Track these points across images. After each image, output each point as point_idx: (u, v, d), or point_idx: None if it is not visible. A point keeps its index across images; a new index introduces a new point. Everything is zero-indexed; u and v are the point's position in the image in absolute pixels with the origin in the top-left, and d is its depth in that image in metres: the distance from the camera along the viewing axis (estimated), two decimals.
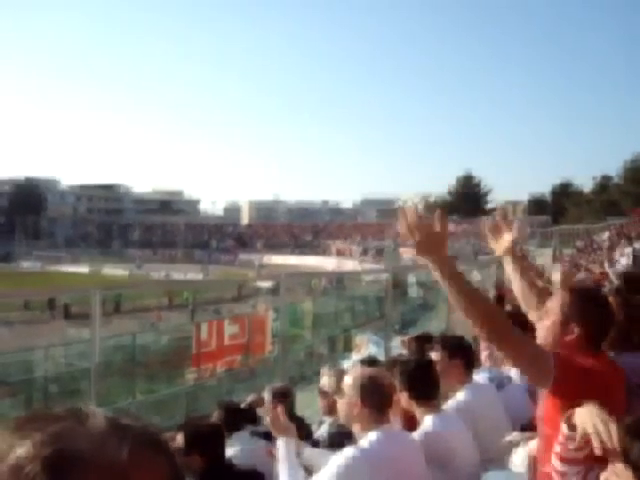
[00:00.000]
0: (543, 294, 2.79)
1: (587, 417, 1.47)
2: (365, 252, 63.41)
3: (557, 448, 1.58)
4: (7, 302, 18.64)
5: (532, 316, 2.72)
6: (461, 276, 1.96)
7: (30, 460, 0.57)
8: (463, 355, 3.50)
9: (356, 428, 2.69)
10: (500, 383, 3.79)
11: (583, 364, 2.05)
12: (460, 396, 3.39)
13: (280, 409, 2.95)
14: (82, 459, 0.58)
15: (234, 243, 78.66)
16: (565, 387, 1.96)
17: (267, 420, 3.01)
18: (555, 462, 1.60)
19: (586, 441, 1.43)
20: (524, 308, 2.80)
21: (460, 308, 1.92)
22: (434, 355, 3.52)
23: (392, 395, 2.77)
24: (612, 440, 1.34)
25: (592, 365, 2.05)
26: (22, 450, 0.58)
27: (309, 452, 3.00)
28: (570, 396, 1.86)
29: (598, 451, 1.37)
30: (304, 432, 3.85)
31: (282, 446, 2.80)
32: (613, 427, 1.37)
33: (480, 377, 3.84)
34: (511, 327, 2.00)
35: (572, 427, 1.52)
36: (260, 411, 4.14)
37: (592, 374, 2.02)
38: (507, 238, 2.78)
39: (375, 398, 2.65)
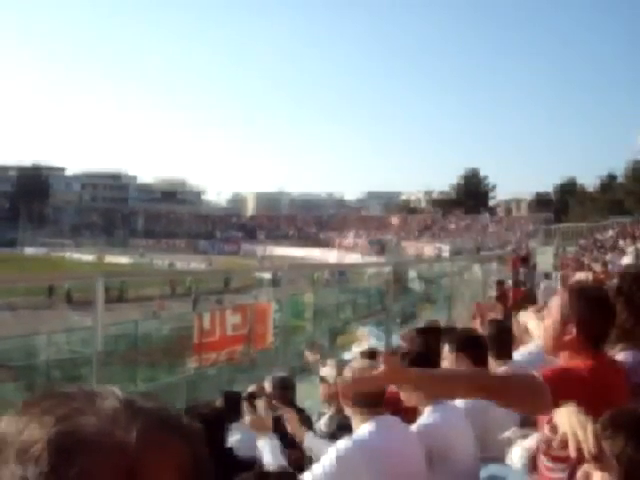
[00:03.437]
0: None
1: (565, 419, 1.48)
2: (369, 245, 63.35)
3: (544, 446, 1.60)
4: (11, 287, 18.69)
5: (531, 325, 2.67)
6: (432, 378, 1.99)
7: (35, 442, 0.54)
8: (471, 350, 3.42)
9: (352, 420, 2.73)
10: None
11: (578, 374, 2.02)
12: None
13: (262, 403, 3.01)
14: (88, 440, 0.54)
15: (238, 234, 78.67)
16: (564, 399, 1.95)
17: (247, 420, 3.05)
18: (543, 459, 1.62)
19: (566, 444, 1.44)
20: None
21: (454, 398, 1.98)
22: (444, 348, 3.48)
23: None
24: (588, 442, 1.35)
25: (589, 368, 2.04)
26: (29, 433, 0.55)
27: (310, 440, 3.03)
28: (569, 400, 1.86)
29: (573, 453, 1.37)
30: (305, 423, 3.88)
31: (264, 446, 2.87)
32: (590, 430, 1.37)
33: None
34: (497, 384, 1.98)
35: (554, 428, 1.52)
36: (260, 400, 4.16)
37: (589, 379, 2.00)
38: None
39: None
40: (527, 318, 3.04)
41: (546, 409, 1.94)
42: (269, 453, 2.74)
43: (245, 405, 3.04)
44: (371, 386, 2.06)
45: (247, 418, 2.99)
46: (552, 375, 1.99)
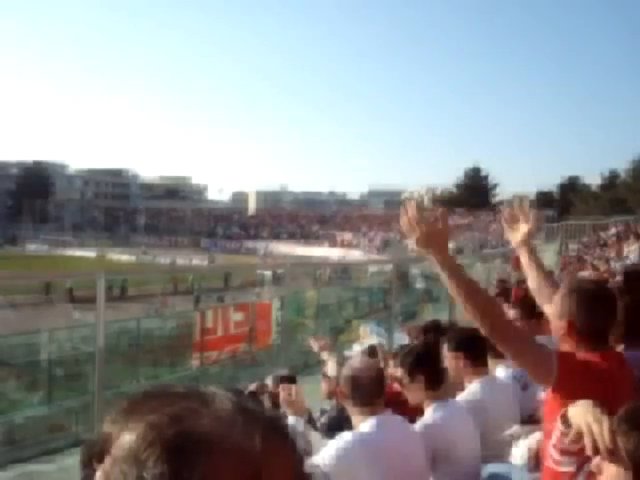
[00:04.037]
0: (556, 288, 2.77)
1: (581, 415, 1.47)
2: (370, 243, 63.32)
3: (554, 439, 1.60)
4: (12, 285, 18.70)
5: (547, 310, 2.69)
6: (461, 270, 1.99)
7: (148, 444, 0.50)
8: (470, 349, 3.39)
9: (353, 417, 2.73)
10: (525, 384, 3.66)
11: (586, 361, 2.03)
12: (471, 390, 3.36)
13: (294, 389, 3.00)
14: (209, 443, 0.51)
15: (240, 231, 78.63)
16: (568, 385, 1.95)
17: (281, 397, 3.04)
18: (552, 452, 1.61)
19: (580, 438, 1.43)
20: (539, 302, 2.73)
21: (460, 302, 1.96)
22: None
23: (380, 385, 2.77)
24: (604, 439, 1.34)
25: (595, 361, 2.04)
26: (137, 433, 0.52)
27: (314, 437, 3.03)
28: (573, 394, 1.86)
29: (589, 450, 1.36)
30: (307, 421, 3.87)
31: (291, 422, 2.86)
32: (606, 425, 1.36)
33: (503, 372, 3.74)
34: (511, 324, 2.02)
35: (567, 424, 1.52)
36: (263, 398, 4.16)
37: (595, 371, 2.00)
38: (523, 229, 2.67)
39: (360, 393, 2.67)
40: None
41: (548, 381, 1.96)
42: None
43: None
44: (418, 234, 1.99)
45: None
46: (565, 354, 2.03)
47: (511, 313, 4.87)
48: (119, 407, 0.57)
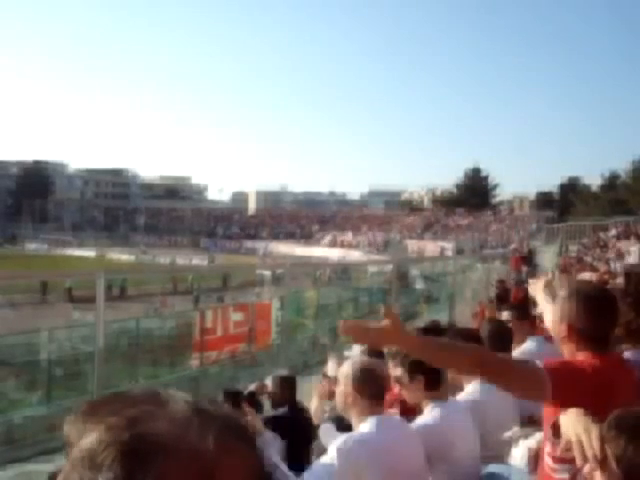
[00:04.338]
0: None
1: (570, 424, 1.46)
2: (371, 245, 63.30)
3: (548, 448, 1.59)
4: (13, 284, 18.69)
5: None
6: (431, 344, 1.97)
7: (104, 446, 0.51)
8: None
9: (352, 417, 2.72)
10: None
11: (579, 368, 2.01)
12: (470, 390, 3.36)
13: None
14: (163, 445, 0.52)
15: (240, 231, 78.61)
16: (563, 397, 1.93)
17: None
18: (547, 459, 1.61)
19: (570, 447, 1.42)
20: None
21: (448, 369, 2.01)
22: None
23: (386, 385, 2.78)
24: (593, 448, 1.32)
25: (591, 366, 2.02)
26: (95, 436, 0.52)
27: (325, 428, 3.05)
28: (570, 403, 1.85)
29: (579, 461, 1.35)
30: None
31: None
32: (594, 435, 1.35)
33: None
34: (497, 363, 1.99)
35: (557, 431, 1.51)
36: (262, 398, 4.16)
37: (590, 376, 1.98)
38: None
39: (368, 388, 2.68)
40: (536, 292, 3.05)
41: (545, 398, 1.94)
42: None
43: (245, 405, 3.07)
44: (368, 340, 1.98)
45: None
46: (554, 366, 1.99)
47: (505, 314, 4.90)
48: (79, 410, 0.57)
